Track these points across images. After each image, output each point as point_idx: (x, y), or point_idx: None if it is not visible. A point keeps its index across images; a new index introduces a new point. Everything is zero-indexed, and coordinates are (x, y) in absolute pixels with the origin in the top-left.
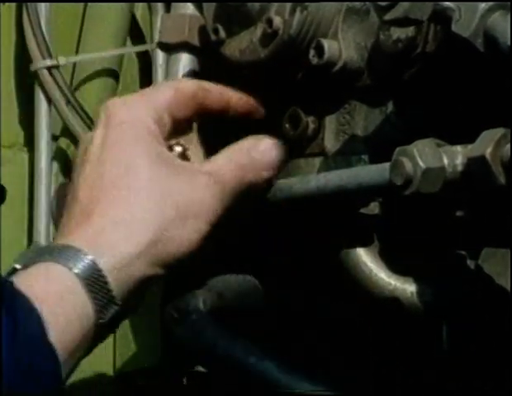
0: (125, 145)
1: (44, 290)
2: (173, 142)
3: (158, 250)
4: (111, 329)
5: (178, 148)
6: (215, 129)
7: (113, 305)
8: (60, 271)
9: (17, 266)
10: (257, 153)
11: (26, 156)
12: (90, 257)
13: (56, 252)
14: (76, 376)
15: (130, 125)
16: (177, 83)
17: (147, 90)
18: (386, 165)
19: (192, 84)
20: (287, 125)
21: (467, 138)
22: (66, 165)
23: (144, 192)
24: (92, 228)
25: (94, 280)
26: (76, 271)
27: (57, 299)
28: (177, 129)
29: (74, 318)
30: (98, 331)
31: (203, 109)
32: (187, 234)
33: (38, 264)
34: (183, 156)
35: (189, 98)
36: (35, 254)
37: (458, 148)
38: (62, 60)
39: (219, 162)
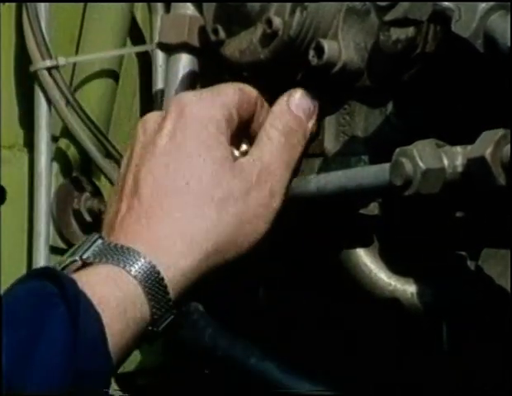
0: (194, 146)
1: (106, 295)
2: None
3: (217, 258)
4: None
5: (244, 147)
6: None
7: (170, 315)
8: (123, 277)
9: (77, 259)
10: (294, 106)
11: (26, 156)
12: (154, 266)
13: (120, 255)
14: None
15: (202, 123)
16: (242, 86)
17: (215, 87)
18: (386, 166)
19: (254, 91)
20: None
21: (467, 138)
22: (66, 165)
23: (206, 199)
24: (155, 236)
25: (156, 290)
26: (140, 278)
27: (118, 305)
28: (240, 129)
29: (132, 324)
30: (150, 336)
31: (255, 119)
32: (246, 237)
33: (101, 265)
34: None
35: (252, 102)
36: (96, 251)
37: (458, 148)
38: (62, 61)
39: (266, 149)
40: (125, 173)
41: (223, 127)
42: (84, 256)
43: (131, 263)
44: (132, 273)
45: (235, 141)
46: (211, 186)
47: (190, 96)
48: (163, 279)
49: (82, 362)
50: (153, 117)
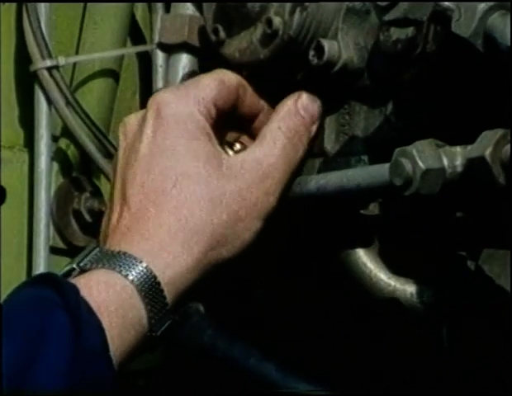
0: (176, 145)
1: (105, 301)
2: (231, 138)
3: (211, 257)
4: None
5: (238, 146)
6: None
7: (167, 319)
8: (121, 281)
9: (74, 266)
10: (302, 109)
11: (26, 156)
12: (149, 269)
13: (116, 260)
14: None
15: (180, 122)
16: (222, 75)
17: (191, 82)
18: (386, 166)
19: (235, 78)
20: None
21: (467, 138)
22: (66, 165)
23: (195, 198)
24: (149, 240)
25: (153, 294)
26: (136, 283)
27: (117, 310)
28: (225, 121)
29: (130, 329)
30: (149, 341)
31: (238, 106)
32: (240, 234)
33: (97, 270)
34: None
35: (232, 91)
36: (93, 258)
37: (458, 148)
38: (62, 61)
39: (269, 150)
40: (113, 180)
41: (202, 123)
42: (81, 264)
43: (127, 268)
44: (129, 278)
45: (222, 130)
46: (200, 185)
47: (165, 94)
48: (159, 283)
49: (85, 370)
50: (132, 119)
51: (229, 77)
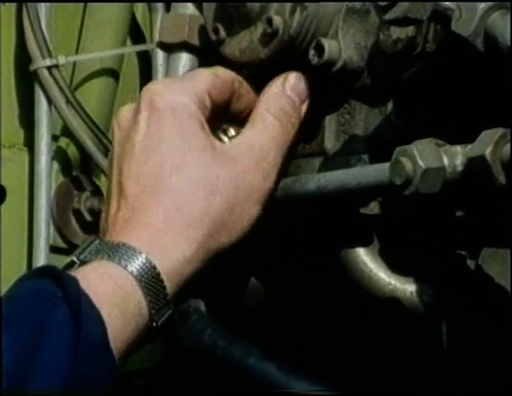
0: (171, 135)
1: (105, 292)
2: (225, 126)
3: (210, 245)
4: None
5: (232, 132)
6: None
7: (167, 309)
8: (120, 273)
9: (75, 259)
10: (289, 89)
11: (26, 156)
12: (148, 260)
13: (115, 251)
14: None
15: (174, 112)
16: (216, 70)
17: (186, 74)
18: (386, 165)
19: (230, 73)
20: None
21: (467, 138)
22: (66, 165)
23: (191, 187)
24: (148, 231)
25: (153, 284)
26: (136, 273)
27: (117, 301)
28: (222, 115)
29: (131, 321)
30: (150, 332)
31: (234, 101)
32: (238, 220)
33: (96, 262)
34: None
35: (227, 84)
36: (93, 250)
37: (458, 148)
38: (62, 60)
39: (259, 133)
40: (109, 175)
41: (196, 113)
42: (81, 257)
43: (126, 259)
44: (128, 269)
45: (218, 124)
46: (196, 173)
47: (159, 85)
48: (159, 273)
49: (86, 364)
50: (125, 111)
51: (224, 71)
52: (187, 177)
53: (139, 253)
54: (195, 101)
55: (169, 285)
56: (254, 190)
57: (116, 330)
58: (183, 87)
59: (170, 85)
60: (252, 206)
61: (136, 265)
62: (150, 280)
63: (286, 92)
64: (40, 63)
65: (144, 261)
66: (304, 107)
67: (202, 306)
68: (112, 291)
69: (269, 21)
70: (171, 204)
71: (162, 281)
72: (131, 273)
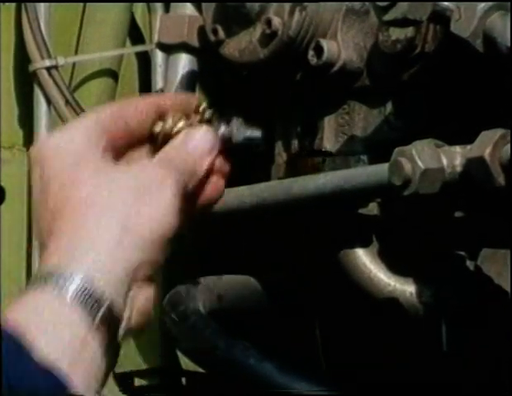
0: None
1: (35, 322)
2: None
3: (131, 235)
4: (116, 334)
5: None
6: None
7: (101, 308)
8: (49, 297)
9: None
10: (192, 144)
11: (25, 156)
12: (81, 279)
13: (43, 279)
14: None
15: (60, 157)
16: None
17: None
18: (385, 166)
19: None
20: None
21: (466, 138)
22: None
23: (93, 197)
24: (61, 248)
25: (83, 296)
26: (63, 292)
27: (50, 327)
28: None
29: (69, 337)
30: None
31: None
32: (155, 208)
33: (32, 292)
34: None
35: (113, 112)
36: (30, 282)
37: (457, 148)
38: (61, 60)
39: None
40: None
41: (82, 140)
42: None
43: (53, 282)
44: (62, 293)
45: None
46: (90, 186)
47: (46, 147)
48: (92, 290)
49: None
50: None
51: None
52: (84, 194)
53: (63, 272)
54: (84, 134)
55: (100, 284)
56: (164, 180)
57: (57, 352)
58: (65, 130)
59: (55, 136)
60: (167, 194)
61: (69, 287)
62: (87, 301)
63: (186, 150)
64: (40, 63)
65: (77, 282)
66: (206, 162)
67: (201, 307)
68: (45, 320)
69: (268, 22)
70: (76, 221)
71: (87, 289)
72: (58, 294)
